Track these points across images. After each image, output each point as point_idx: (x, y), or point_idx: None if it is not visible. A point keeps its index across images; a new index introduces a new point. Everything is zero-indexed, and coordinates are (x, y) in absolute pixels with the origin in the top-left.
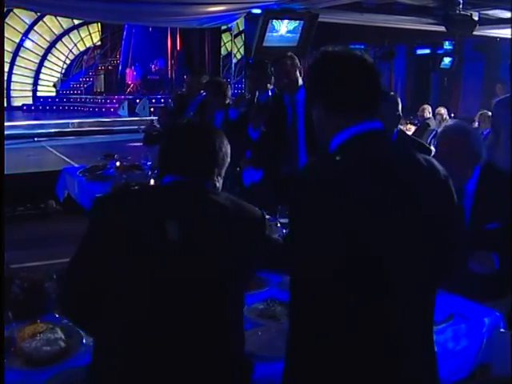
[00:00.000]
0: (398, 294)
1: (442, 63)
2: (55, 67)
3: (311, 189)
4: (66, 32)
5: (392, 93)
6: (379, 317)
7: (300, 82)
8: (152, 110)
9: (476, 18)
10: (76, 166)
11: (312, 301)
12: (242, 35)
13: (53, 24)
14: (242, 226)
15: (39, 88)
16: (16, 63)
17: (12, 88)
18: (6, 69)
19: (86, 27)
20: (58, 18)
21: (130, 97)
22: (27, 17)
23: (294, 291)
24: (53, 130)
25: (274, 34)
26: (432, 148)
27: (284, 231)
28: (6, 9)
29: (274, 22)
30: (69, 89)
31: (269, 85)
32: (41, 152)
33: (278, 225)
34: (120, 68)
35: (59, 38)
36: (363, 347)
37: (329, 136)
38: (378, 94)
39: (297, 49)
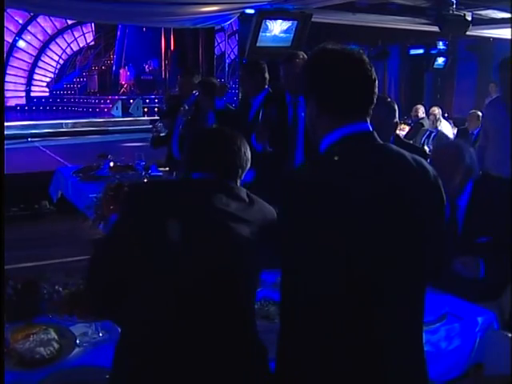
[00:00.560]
0: (389, 293)
1: (436, 63)
2: (49, 67)
3: (301, 189)
4: (60, 32)
5: (389, 99)
6: (369, 316)
7: None
8: (146, 110)
9: (469, 19)
10: (69, 166)
11: (302, 300)
12: (236, 35)
13: (46, 24)
14: (264, 220)
15: (33, 88)
16: (9, 63)
17: (5, 88)
18: None
19: (79, 27)
20: (52, 18)
21: (124, 97)
22: (20, 17)
23: (284, 290)
24: (46, 131)
25: (268, 35)
26: (426, 148)
27: None
28: None
29: (268, 22)
30: (62, 89)
31: (263, 85)
32: (34, 152)
33: None
34: (114, 68)
35: (53, 38)
36: (353, 347)
37: (320, 136)
38: (372, 96)
39: (290, 49)
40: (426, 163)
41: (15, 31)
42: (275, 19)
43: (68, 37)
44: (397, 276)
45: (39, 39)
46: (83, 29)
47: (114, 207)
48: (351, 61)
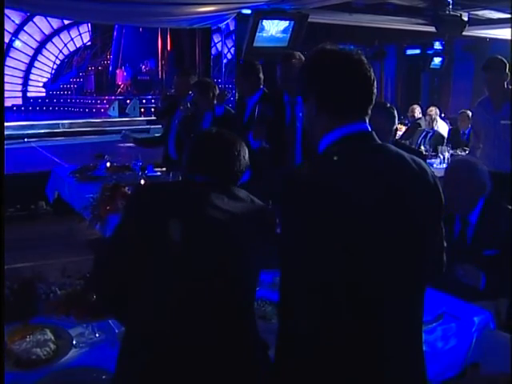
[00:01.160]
0: (388, 294)
1: (432, 63)
2: (45, 67)
3: (301, 190)
4: (56, 32)
5: (389, 105)
6: (369, 316)
7: None
8: (142, 110)
9: (465, 19)
10: (66, 166)
11: (301, 299)
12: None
13: (42, 24)
14: (263, 221)
15: (29, 88)
16: (6, 63)
17: None
18: None
19: (76, 27)
20: (48, 18)
21: (121, 97)
22: (17, 17)
23: (284, 290)
24: (43, 131)
25: (264, 35)
26: (422, 148)
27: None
28: None
29: (264, 22)
30: (59, 89)
31: (258, 86)
32: (31, 152)
33: None
34: (110, 68)
35: (49, 38)
36: (352, 348)
37: (319, 135)
38: (371, 96)
39: (287, 49)
40: (424, 164)
41: (11, 31)
42: (272, 19)
43: (64, 37)
44: (396, 276)
45: (36, 39)
46: (80, 29)
47: (110, 207)
48: (350, 61)
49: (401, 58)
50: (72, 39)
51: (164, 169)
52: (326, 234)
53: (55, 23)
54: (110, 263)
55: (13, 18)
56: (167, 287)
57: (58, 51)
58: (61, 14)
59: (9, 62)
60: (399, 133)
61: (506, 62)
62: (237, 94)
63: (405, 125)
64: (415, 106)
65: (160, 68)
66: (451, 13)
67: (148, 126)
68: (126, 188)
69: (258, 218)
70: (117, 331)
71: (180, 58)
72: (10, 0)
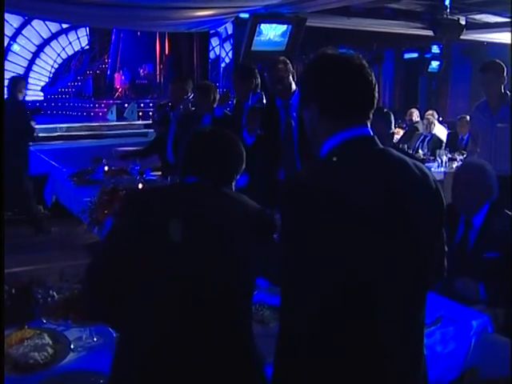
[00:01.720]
0: (390, 298)
1: (430, 67)
2: (43, 71)
3: (302, 194)
4: (54, 36)
5: (385, 110)
6: (370, 321)
7: (294, 86)
8: (140, 114)
9: (463, 23)
10: (64, 170)
11: (303, 302)
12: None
13: (41, 28)
14: (261, 224)
15: (27, 92)
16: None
17: None
18: None
19: (74, 31)
20: (46, 22)
21: (119, 101)
22: (15, 21)
23: (285, 294)
24: (41, 135)
25: (262, 39)
26: (420, 152)
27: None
28: None
29: (262, 26)
30: (57, 93)
31: (255, 89)
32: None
33: None
34: (108, 72)
35: (47, 42)
36: (354, 350)
37: (320, 140)
38: (373, 100)
39: (285, 53)
40: (426, 168)
41: (10, 35)
42: (270, 23)
43: (63, 41)
44: (397, 280)
45: (34, 43)
46: (78, 33)
47: (108, 211)
48: (352, 65)
49: (399, 61)
50: (70, 43)
51: (160, 173)
52: (327, 237)
53: (53, 27)
54: (103, 268)
55: (11, 21)
56: (161, 291)
57: (56, 55)
58: (59, 17)
59: (7, 65)
60: (397, 136)
61: (503, 65)
62: (235, 99)
63: (403, 128)
64: (413, 110)
65: (158, 72)
66: (449, 17)
67: (146, 130)
68: (124, 192)
69: (253, 221)
70: (115, 335)
71: (178, 62)
72: (8, 3)
